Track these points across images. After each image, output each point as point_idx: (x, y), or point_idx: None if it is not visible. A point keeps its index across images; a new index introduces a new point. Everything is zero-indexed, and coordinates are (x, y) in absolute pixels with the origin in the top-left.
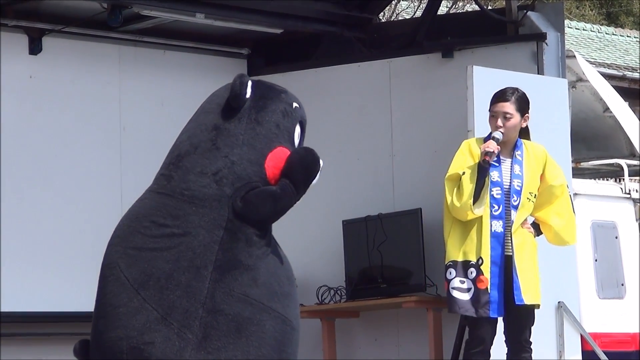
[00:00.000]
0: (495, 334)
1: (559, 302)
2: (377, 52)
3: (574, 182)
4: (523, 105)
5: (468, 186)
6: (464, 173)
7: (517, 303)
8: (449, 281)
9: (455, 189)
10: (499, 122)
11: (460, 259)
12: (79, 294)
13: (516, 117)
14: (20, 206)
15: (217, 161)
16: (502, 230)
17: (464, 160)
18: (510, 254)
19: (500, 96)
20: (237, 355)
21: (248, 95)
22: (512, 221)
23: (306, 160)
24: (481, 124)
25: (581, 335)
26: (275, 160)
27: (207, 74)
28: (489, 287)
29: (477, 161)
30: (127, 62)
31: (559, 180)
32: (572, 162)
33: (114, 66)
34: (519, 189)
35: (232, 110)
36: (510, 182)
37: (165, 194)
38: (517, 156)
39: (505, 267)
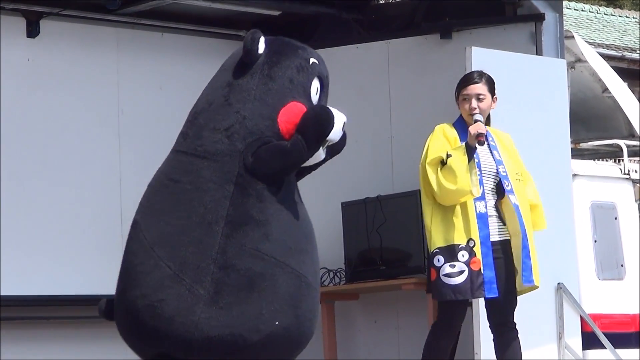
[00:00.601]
0: (463, 319)
1: (558, 284)
2: (375, 34)
3: (573, 163)
4: (492, 86)
5: (462, 167)
6: (449, 155)
7: (525, 283)
8: (438, 269)
9: (440, 172)
10: (473, 104)
11: (446, 244)
12: (78, 277)
13: (488, 98)
14: (19, 190)
15: (229, 117)
16: (486, 210)
17: (442, 144)
18: (501, 238)
19: (469, 79)
20: (249, 310)
21: (261, 50)
22: (515, 204)
23: (319, 117)
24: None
25: (581, 317)
26: (289, 115)
27: (205, 56)
28: (481, 268)
29: (454, 145)
30: (125, 44)
31: (523, 165)
32: (571, 142)
33: (112, 49)
34: (505, 174)
35: (245, 66)
36: (496, 168)
37: (182, 152)
38: (490, 142)
39: (501, 249)
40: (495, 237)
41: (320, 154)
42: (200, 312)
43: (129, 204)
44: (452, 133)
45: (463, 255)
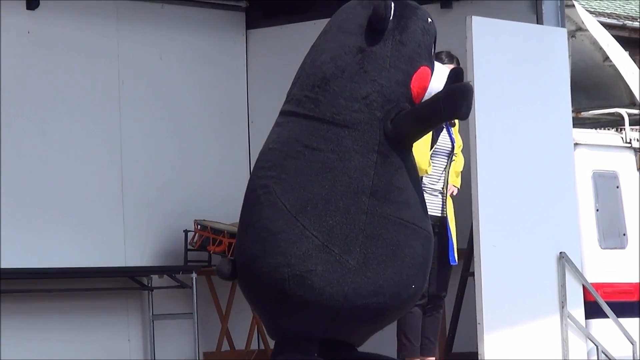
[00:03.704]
0: None
1: (560, 253)
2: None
3: (574, 132)
4: None
5: (423, 145)
6: None
7: (452, 263)
8: None
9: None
10: None
11: None
12: (79, 249)
13: None
14: (19, 162)
15: (366, 85)
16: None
17: None
18: (439, 214)
19: None
20: (393, 277)
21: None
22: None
23: (468, 97)
24: (481, 75)
25: (583, 286)
26: (420, 80)
27: (205, 27)
28: None
29: None
30: (125, 16)
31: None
32: (573, 111)
33: (111, 20)
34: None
35: (376, 33)
36: (451, 146)
37: (315, 118)
38: None
39: (438, 224)
40: (434, 212)
41: None
42: (350, 282)
43: (130, 174)
44: None
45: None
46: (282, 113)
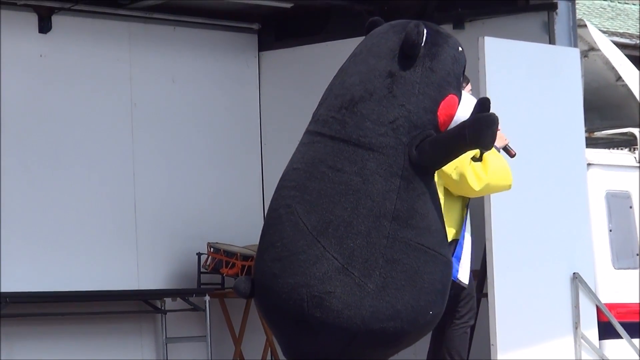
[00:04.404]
0: None
1: (574, 273)
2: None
3: (587, 152)
4: None
5: (504, 161)
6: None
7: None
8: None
9: (479, 166)
10: None
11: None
12: (91, 273)
13: None
14: (32, 185)
15: (394, 110)
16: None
17: None
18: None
19: None
20: (411, 302)
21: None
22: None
23: (493, 127)
24: (493, 95)
25: (597, 306)
26: (447, 108)
27: (217, 49)
28: None
29: None
30: (137, 39)
31: None
32: (585, 131)
33: (124, 43)
34: None
35: (407, 58)
36: None
37: (341, 139)
38: None
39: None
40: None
41: None
42: (368, 305)
43: (143, 197)
44: None
45: None
46: (308, 132)
